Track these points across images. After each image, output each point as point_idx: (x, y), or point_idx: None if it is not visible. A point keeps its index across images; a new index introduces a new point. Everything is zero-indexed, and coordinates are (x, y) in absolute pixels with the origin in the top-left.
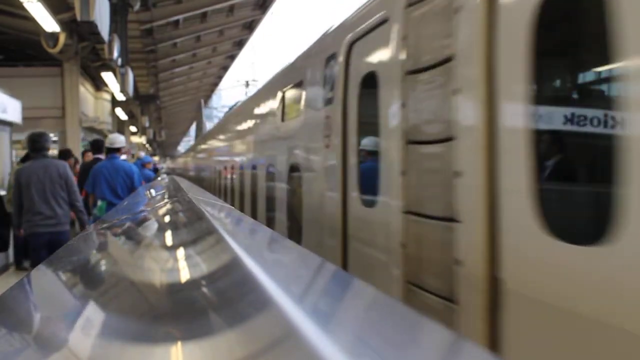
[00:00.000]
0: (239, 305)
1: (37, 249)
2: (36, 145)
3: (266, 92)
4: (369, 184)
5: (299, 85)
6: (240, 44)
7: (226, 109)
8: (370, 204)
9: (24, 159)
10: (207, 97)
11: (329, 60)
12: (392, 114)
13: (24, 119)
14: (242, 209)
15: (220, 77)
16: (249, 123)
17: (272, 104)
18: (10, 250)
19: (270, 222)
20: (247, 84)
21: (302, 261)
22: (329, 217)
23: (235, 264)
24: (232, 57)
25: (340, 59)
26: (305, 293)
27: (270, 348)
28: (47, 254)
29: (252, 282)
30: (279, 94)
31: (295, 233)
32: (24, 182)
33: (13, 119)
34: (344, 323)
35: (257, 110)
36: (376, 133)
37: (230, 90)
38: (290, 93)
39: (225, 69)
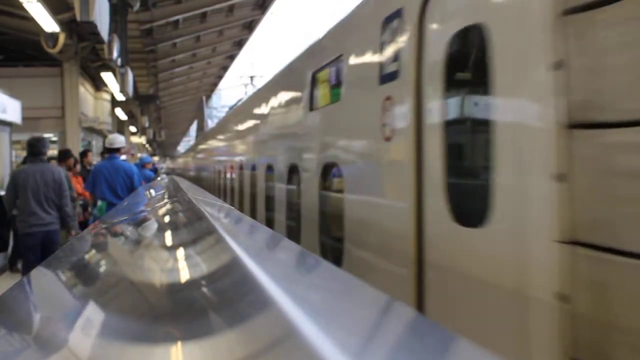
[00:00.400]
0: (239, 305)
1: (30, 248)
2: (34, 150)
3: (285, 78)
4: (470, 189)
5: (336, 61)
6: (240, 44)
7: (226, 109)
8: (471, 221)
9: (24, 161)
10: (207, 97)
11: (388, 22)
12: (528, 80)
13: (24, 119)
14: (253, 218)
15: (220, 77)
16: (262, 117)
17: (295, 91)
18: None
19: (293, 236)
20: (251, 80)
21: (302, 261)
22: (391, 235)
23: (235, 264)
24: (232, 57)
25: (410, 15)
26: (305, 293)
27: (270, 348)
28: (40, 252)
29: (252, 282)
30: (306, 78)
31: (332, 253)
32: (21, 184)
33: (13, 119)
34: (344, 323)
35: (273, 101)
36: (485, 112)
37: (231, 90)
38: (324, 74)
39: (225, 69)
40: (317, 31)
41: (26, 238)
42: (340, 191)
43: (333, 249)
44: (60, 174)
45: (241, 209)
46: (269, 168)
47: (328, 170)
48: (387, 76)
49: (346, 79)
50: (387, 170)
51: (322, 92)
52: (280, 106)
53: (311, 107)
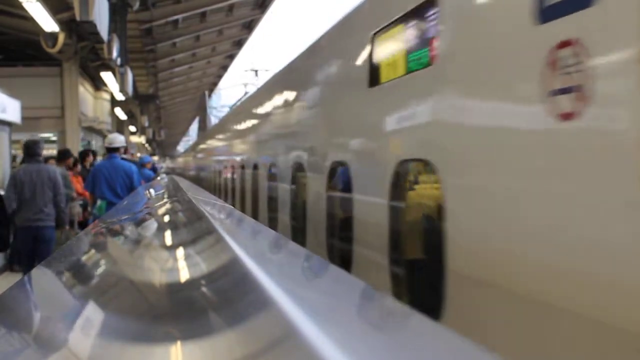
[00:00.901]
0: (239, 305)
1: (24, 240)
2: (30, 152)
3: (323, 49)
4: None
5: (423, 9)
6: (239, 44)
7: (226, 109)
8: None
9: (23, 161)
10: (209, 93)
11: None
12: None
13: (24, 118)
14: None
15: (219, 77)
16: (286, 105)
17: (341, 65)
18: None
19: (338, 262)
20: (255, 73)
21: (301, 261)
22: (566, 286)
23: (234, 264)
24: (232, 57)
25: None
26: (305, 293)
27: (270, 348)
28: (33, 244)
29: (252, 282)
30: (359, 43)
31: (420, 293)
32: (19, 182)
33: (12, 118)
34: (344, 323)
35: (305, 83)
36: None
37: (231, 90)
38: (394, 32)
39: (224, 68)
40: (317, 30)
41: (21, 231)
42: (437, 202)
43: (428, 288)
44: (55, 173)
45: (255, 217)
46: (298, 168)
47: (407, 171)
48: (562, 6)
49: (447, 30)
50: (568, 169)
51: (392, 59)
52: (316, 88)
53: (372, 82)
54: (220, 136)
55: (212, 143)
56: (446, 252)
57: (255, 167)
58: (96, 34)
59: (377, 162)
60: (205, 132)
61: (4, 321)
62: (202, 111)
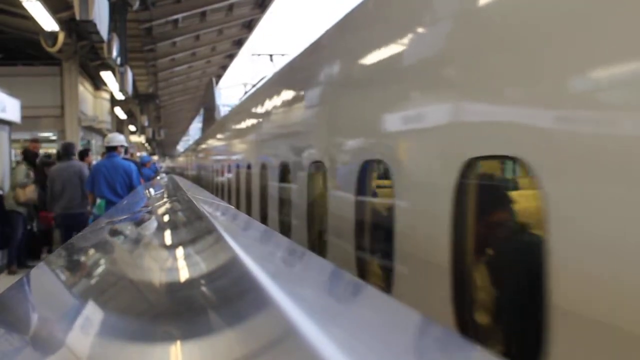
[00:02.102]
0: (238, 304)
1: (61, 225)
2: (66, 151)
3: None
4: None
5: None
6: (239, 43)
7: (227, 108)
8: None
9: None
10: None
11: None
12: None
13: (23, 118)
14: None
15: (219, 77)
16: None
17: None
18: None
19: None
20: (270, 58)
21: (301, 260)
22: None
23: (234, 264)
24: (232, 57)
25: None
26: (305, 292)
27: (270, 347)
28: (67, 228)
29: (251, 282)
30: None
31: None
32: (53, 177)
33: (12, 118)
34: (344, 323)
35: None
36: None
37: (231, 89)
38: None
39: (224, 68)
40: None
41: (58, 218)
42: None
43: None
44: (80, 168)
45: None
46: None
47: None
48: None
49: None
50: None
51: None
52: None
53: None
54: (237, 130)
55: (226, 143)
56: None
57: (310, 164)
58: (96, 33)
59: None
60: (214, 124)
61: (4, 321)
62: (209, 101)
